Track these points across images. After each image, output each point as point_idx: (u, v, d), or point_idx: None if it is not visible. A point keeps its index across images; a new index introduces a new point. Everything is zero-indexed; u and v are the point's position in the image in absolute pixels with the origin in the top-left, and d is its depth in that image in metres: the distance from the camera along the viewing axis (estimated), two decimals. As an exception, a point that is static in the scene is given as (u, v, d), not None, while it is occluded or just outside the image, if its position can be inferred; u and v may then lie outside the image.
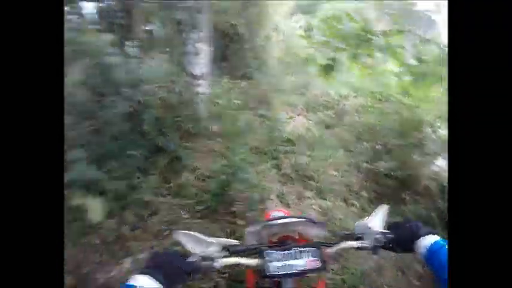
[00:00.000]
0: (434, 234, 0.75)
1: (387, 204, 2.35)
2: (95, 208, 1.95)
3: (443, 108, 2.79)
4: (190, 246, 0.81)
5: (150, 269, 0.68)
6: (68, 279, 1.72)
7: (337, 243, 0.88)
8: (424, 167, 2.71)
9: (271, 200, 2.36)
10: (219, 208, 2.23)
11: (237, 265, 0.81)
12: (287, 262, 0.83)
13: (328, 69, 2.81)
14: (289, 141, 2.98)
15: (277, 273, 0.82)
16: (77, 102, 2.15)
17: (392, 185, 2.65)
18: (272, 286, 0.94)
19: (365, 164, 2.86)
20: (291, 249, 0.85)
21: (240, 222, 2.15)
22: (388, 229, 0.86)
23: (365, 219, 0.91)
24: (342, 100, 4.43)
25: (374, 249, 0.84)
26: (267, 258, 0.83)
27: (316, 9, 7.31)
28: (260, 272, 0.82)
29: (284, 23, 5.69)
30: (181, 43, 2.90)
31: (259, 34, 4.85)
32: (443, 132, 2.75)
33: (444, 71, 2.46)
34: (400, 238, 0.82)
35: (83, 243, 1.96)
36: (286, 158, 2.89)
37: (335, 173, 2.77)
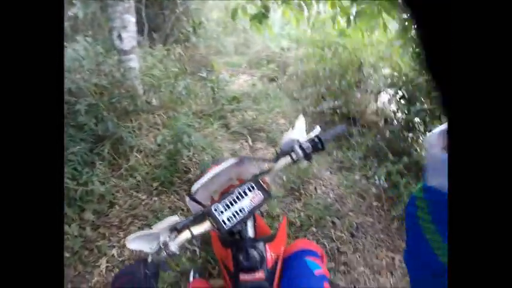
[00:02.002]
0: None
1: (336, 140, 2.43)
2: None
3: (382, 48, 2.91)
4: (144, 247, 0.75)
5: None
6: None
7: (271, 167, 0.89)
8: (367, 104, 2.86)
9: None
10: (174, 180, 2.16)
11: (192, 237, 0.76)
12: (234, 208, 0.80)
13: (260, 17, 2.70)
14: (234, 99, 2.91)
15: (231, 223, 0.79)
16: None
17: (339, 123, 2.76)
18: (237, 238, 0.89)
19: (311, 108, 2.93)
20: (232, 194, 0.82)
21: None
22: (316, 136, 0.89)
23: (287, 133, 0.92)
24: (284, 53, 4.42)
25: (307, 157, 0.87)
26: (215, 214, 0.79)
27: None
28: (219, 230, 0.79)
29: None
30: (107, 19, 2.58)
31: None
32: (385, 71, 2.90)
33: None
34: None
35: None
36: (234, 116, 2.84)
37: (283, 121, 2.81)
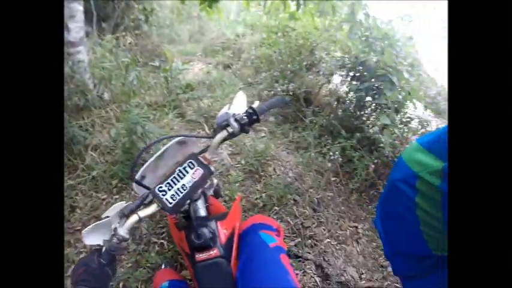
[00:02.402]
0: None
1: (291, 122, 2.48)
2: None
3: (333, 32, 3.00)
4: (100, 240, 0.75)
5: (80, 281, 0.67)
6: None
7: (209, 143, 0.91)
8: (321, 86, 2.97)
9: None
10: (133, 174, 2.10)
11: (140, 220, 0.77)
12: (176, 186, 0.81)
13: (211, 1, 2.64)
14: (188, 87, 2.86)
15: (175, 201, 0.80)
16: None
17: (300, 110, 2.84)
18: (188, 216, 0.91)
19: (265, 92, 2.98)
20: (174, 173, 0.83)
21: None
22: (251, 108, 0.92)
23: (224, 108, 0.95)
24: (239, 39, 4.39)
25: (243, 129, 0.90)
26: (159, 195, 0.80)
27: None
28: (164, 209, 0.79)
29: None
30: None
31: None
32: (337, 53, 3.01)
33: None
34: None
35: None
36: (189, 105, 2.81)
37: None
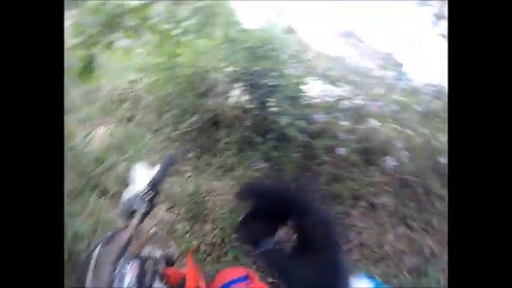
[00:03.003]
0: None
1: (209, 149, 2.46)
2: None
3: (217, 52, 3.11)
4: None
5: None
6: None
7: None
8: (223, 104, 3.13)
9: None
10: None
11: None
12: None
13: (88, 70, 2.54)
14: (99, 159, 2.70)
15: None
16: None
17: (212, 135, 2.95)
18: None
19: (176, 132, 3.02)
20: (115, 279, 0.77)
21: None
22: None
23: (125, 192, 0.91)
24: (134, 86, 4.25)
25: (151, 205, 0.86)
26: None
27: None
28: None
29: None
30: None
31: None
32: (228, 69, 3.11)
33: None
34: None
35: None
36: (107, 177, 2.60)
37: (156, 157, 2.77)
